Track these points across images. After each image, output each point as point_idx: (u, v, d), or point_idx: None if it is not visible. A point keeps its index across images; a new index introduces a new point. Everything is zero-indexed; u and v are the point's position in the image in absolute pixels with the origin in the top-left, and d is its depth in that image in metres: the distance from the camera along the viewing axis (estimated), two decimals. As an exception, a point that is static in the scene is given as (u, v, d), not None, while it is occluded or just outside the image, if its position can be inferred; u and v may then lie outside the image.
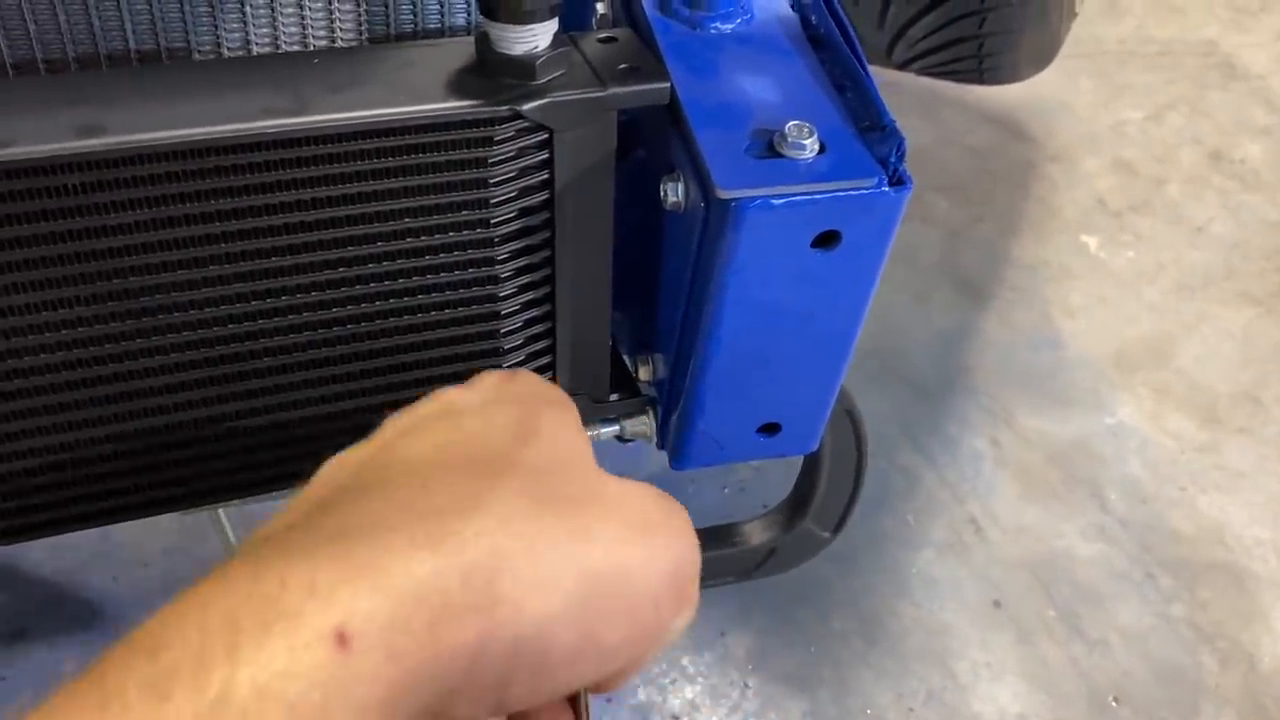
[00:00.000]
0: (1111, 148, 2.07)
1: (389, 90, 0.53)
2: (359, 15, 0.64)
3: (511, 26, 0.52)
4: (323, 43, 0.64)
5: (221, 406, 0.58)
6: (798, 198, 0.53)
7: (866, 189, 0.54)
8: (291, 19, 0.64)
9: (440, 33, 0.64)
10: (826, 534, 0.82)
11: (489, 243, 0.57)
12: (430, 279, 0.58)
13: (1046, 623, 1.38)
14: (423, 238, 0.56)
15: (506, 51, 0.53)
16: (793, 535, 0.81)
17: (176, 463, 0.60)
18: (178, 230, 0.51)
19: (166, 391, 0.56)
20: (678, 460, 0.68)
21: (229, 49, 0.63)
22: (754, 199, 0.52)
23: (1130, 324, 1.75)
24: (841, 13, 0.60)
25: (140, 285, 0.52)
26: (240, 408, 0.59)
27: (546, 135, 0.55)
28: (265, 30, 0.64)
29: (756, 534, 0.81)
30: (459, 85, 0.54)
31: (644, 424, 0.69)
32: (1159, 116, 2.14)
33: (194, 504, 0.63)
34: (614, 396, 0.69)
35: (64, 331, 0.52)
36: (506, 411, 0.39)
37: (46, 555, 1.33)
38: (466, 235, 0.57)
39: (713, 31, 0.61)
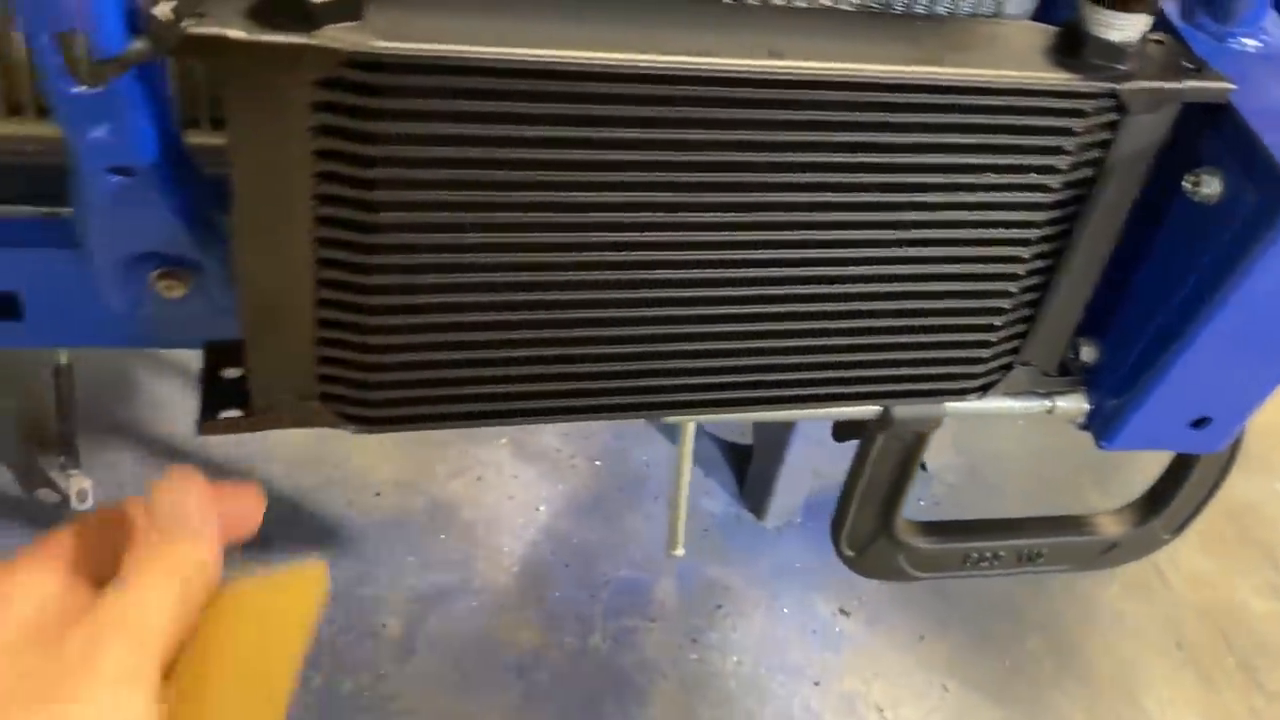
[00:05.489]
0: None
1: (999, 56, 0.58)
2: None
3: (1116, 14, 0.58)
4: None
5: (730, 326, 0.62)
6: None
7: None
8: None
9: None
10: (1167, 536, 0.86)
11: (1035, 207, 0.62)
12: (965, 233, 0.63)
13: (1226, 670, 1.42)
14: (978, 194, 0.61)
15: (1103, 35, 0.58)
16: (1138, 532, 0.85)
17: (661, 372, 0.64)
18: (817, 155, 0.56)
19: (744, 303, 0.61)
20: (1109, 439, 0.72)
21: None
22: (1320, 196, 0.57)
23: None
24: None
25: (772, 201, 0.58)
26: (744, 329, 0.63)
27: (1117, 118, 0.60)
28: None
29: (1107, 526, 0.85)
30: (1057, 61, 0.59)
31: (1076, 404, 0.73)
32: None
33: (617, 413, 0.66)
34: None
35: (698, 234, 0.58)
36: None
37: (285, 471, 1.38)
38: (1018, 197, 0.61)
39: (1235, 47, 0.66)
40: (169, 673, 0.45)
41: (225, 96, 0.49)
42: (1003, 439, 1.56)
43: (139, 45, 0.45)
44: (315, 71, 0.48)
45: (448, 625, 1.26)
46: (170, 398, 1.43)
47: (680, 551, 0.88)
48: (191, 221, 0.58)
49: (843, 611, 1.36)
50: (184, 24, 0.45)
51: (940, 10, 0.68)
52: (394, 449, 1.38)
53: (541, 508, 1.40)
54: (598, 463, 1.47)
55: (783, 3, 0.61)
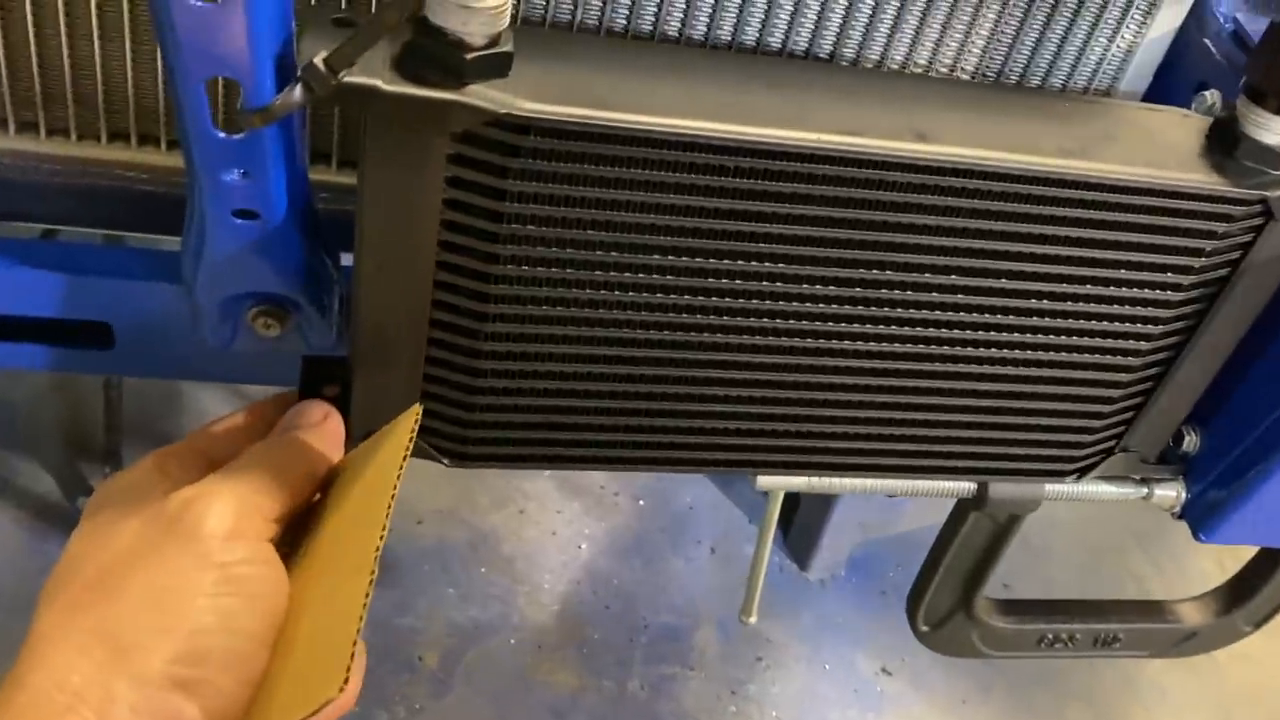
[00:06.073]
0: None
1: (1148, 151, 0.56)
2: (983, 52, 0.67)
3: (1275, 117, 0.56)
4: (944, 70, 0.68)
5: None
6: None
7: None
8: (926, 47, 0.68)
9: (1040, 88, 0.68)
10: (1248, 628, 0.84)
11: (1161, 304, 0.61)
12: (1087, 323, 0.61)
13: (1271, 754, 1.39)
14: (1109, 287, 0.59)
15: (1258, 137, 0.57)
16: (1218, 622, 0.84)
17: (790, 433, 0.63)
18: (951, 239, 0.55)
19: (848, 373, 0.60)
20: (1207, 532, 0.71)
21: (866, 61, 0.67)
22: None
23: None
24: None
25: (896, 280, 0.56)
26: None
27: (1262, 223, 0.58)
28: (900, 51, 0.67)
29: (1189, 615, 0.83)
30: (1207, 159, 0.57)
31: (1174, 492, 0.72)
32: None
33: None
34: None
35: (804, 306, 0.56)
36: None
37: (327, 493, 1.36)
38: (1147, 293, 0.60)
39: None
40: (296, 529, 0.52)
41: (366, 142, 0.48)
42: (1049, 504, 1.53)
43: (291, 96, 0.44)
44: (460, 127, 0.47)
45: (486, 661, 1.24)
46: (214, 410, 1.42)
47: (753, 619, 0.87)
48: (301, 263, 0.57)
49: (885, 671, 1.34)
50: (340, 75, 0.44)
51: (1055, 84, 0.67)
52: (438, 477, 1.36)
53: (583, 545, 1.38)
54: (641, 501, 1.46)
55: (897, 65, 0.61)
